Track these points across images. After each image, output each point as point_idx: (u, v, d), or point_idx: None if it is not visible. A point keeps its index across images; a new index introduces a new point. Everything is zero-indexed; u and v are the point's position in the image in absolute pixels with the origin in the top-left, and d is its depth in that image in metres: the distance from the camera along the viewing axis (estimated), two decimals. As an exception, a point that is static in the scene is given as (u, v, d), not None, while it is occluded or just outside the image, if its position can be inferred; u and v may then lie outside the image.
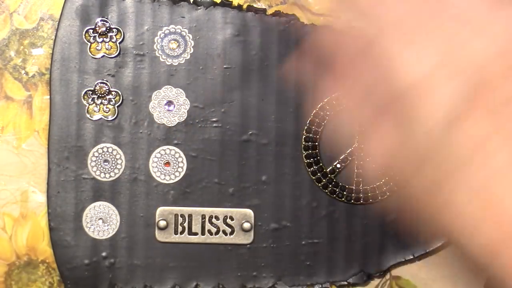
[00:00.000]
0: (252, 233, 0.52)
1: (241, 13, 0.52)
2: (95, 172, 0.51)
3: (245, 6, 0.52)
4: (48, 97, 0.51)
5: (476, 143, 0.32)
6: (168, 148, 0.52)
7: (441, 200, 0.33)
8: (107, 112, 0.51)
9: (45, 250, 0.53)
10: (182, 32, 0.51)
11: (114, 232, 0.52)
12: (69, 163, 0.51)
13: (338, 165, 0.52)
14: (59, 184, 0.51)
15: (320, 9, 0.53)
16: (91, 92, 0.51)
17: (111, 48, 0.51)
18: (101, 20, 0.51)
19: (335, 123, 0.43)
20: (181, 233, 0.52)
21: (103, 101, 0.51)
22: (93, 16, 0.51)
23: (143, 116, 0.51)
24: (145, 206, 0.52)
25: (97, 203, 0.52)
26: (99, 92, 0.51)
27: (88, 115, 0.51)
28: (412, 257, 0.52)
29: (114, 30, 0.51)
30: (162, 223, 0.52)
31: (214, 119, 0.52)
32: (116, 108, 0.51)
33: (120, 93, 0.51)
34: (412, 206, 0.35)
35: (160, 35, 0.51)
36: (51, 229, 0.52)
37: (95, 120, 0.51)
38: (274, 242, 0.52)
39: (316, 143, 0.52)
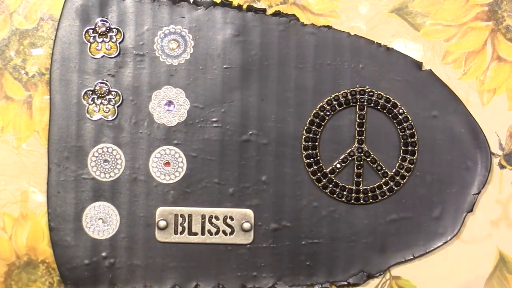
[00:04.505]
0: (252, 233, 0.52)
1: (241, 13, 0.52)
2: (95, 172, 0.51)
3: (245, 6, 0.52)
4: (48, 97, 0.51)
5: None
6: (168, 148, 0.52)
7: None
8: (107, 112, 0.51)
9: (45, 250, 0.53)
10: (182, 32, 0.51)
11: (114, 232, 0.52)
12: (69, 163, 0.51)
13: (338, 165, 0.52)
14: (59, 184, 0.51)
15: (320, 9, 0.53)
16: (91, 92, 0.51)
17: (111, 48, 0.51)
18: (101, 20, 0.51)
19: None
20: (181, 233, 0.52)
21: (103, 101, 0.51)
22: (93, 16, 0.51)
23: (143, 116, 0.51)
24: (145, 206, 0.52)
25: (97, 203, 0.52)
26: (99, 92, 0.51)
27: (88, 115, 0.51)
28: (412, 257, 0.52)
29: (114, 30, 0.51)
30: (162, 223, 0.52)
31: (214, 119, 0.52)
32: (116, 108, 0.51)
33: (120, 93, 0.51)
34: None
35: (160, 35, 0.51)
36: (51, 229, 0.52)
37: (95, 120, 0.51)
38: (274, 242, 0.52)
39: (316, 143, 0.52)
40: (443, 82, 0.52)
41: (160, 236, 0.52)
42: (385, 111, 0.52)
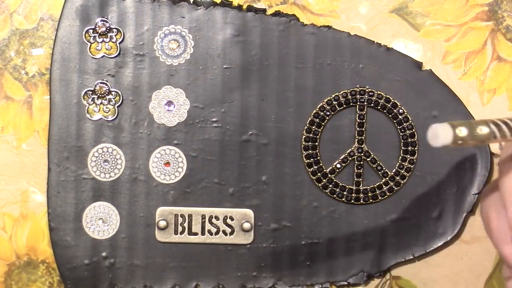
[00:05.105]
0: (252, 233, 0.52)
1: (241, 13, 0.52)
2: (95, 172, 0.51)
3: (245, 6, 0.52)
4: (48, 97, 0.51)
5: None
6: (168, 148, 0.52)
7: None
8: (107, 112, 0.51)
9: (45, 250, 0.53)
10: (182, 32, 0.51)
11: (114, 232, 0.52)
12: (69, 163, 0.51)
13: (338, 165, 0.52)
14: (59, 184, 0.51)
15: (320, 9, 0.53)
16: (91, 92, 0.51)
17: (111, 48, 0.51)
18: (101, 20, 0.51)
19: None
20: (181, 233, 0.52)
21: (103, 101, 0.51)
22: (93, 16, 0.51)
23: (143, 116, 0.51)
24: (145, 206, 0.52)
25: (97, 203, 0.52)
26: (99, 92, 0.51)
27: (88, 115, 0.51)
28: (412, 257, 0.52)
29: (114, 30, 0.51)
30: (162, 223, 0.52)
31: (214, 119, 0.52)
32: (116, 108, 0.51)
33: (120, 93, 0.51)
34: None
35: (160, 35, 0.51)
36: (51, 229, 0.52)
37: (95, 120, 0.51)
38: (274, 242, 0.52)
39: (316, 143, 0.52)
40: (443, 82, 0.52)
41: (160, 236, 0.52)
42: (385, 111, 0.52)
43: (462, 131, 0.37)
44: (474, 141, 0.37)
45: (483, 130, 0.38)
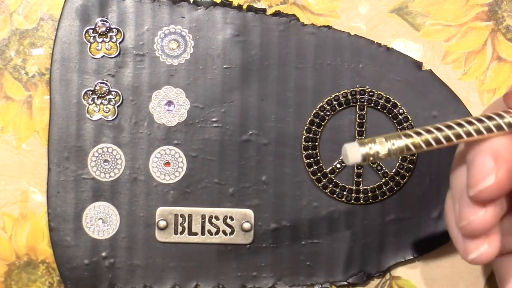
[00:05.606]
0: (252, 233, 0.52)
1: (241, 13, 0.52)
2: (95, 172, 0.51)
3: (245, 6, 0.52)
4: (48, 97, 0.51)
5: None
6: (168, 148, 0.52)
7: None
8: (107, 112, 0.51)
9: (45, 250, 0.53)
10: (182, 32, 0.51)
11: (114, 232, 0.52)
12: (69, 163, 0.51)
13: (338, 165, 0.52)
14: (59, 184, 0.51)
15: (320, 9, 0.53)
16: (91, 92, 0.51)
17: (111, 48, 0.51)
18: (101, 20, 0.51)
19: None
20: (181, 233, 0.52)
21: (103, 101, 0.51)
22: (93, 16, 0.51)
23: (143, 116, 0.51)
24: (145, 206, 0.52)
25: (97, 203, 0.52)
26: (99, 92, 0.51)
27: (88, 115, 0.51)
28: (412, 257, 0.52)
29: (114, 30, 0.51)
30: (162, 223, 0.52)
31: (214, 119, 0.52)
32: (116, 108, 0.51)
33: (120, 93, 0.51)
34: None
35: (160, 35, 0.51)
36: (51, 229, 0.52)
37: (95, 120, 0.51)
38: (274, 242, 0.52)
39: (316, 143, 0.52)
40: (443, 82, 0.52)
41: (160, 236, 0.52)
42: (385, 111, 0.52)
43: (373, 148, 0.37)
44: (391, 155, 0.37)
45: (396, 144, 0.37)
